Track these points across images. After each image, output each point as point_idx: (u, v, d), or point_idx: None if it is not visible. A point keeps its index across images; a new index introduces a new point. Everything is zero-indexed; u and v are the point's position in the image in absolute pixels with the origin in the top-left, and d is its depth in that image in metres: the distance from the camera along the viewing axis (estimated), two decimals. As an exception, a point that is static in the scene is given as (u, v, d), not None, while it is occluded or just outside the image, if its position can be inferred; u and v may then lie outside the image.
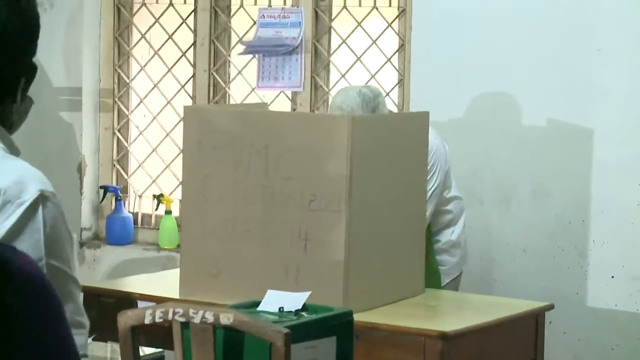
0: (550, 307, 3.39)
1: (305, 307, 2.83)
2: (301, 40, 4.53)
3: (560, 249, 4.03)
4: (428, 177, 3.56)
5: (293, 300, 2.85)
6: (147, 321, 2.57)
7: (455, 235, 3.81)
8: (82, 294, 1.59)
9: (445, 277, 3.77)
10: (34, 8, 1.53)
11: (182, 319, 2.60)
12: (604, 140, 3.94)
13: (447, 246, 3.78)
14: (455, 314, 3.30)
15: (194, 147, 3.32)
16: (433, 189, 3.65)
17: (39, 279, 1.07)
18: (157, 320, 2.57)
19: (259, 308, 2.84)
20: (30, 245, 1.47)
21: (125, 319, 2.60)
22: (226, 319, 2.56)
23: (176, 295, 3.29)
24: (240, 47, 4.67)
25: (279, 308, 2.82)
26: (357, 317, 2.85)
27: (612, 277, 3.95)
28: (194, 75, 4.82)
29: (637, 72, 3.88)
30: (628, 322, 3.91)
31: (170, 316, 2.60)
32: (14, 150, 1.55)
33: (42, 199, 1.50)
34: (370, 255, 3.18)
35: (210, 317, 2.57)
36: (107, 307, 3.29)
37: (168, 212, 4.77)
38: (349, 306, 2.96)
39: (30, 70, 1.55)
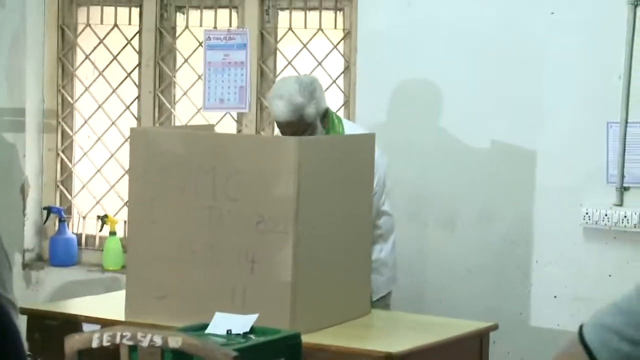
0: (495, 327, 3.43)
1: (253, 330, 2.85)
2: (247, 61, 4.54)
3: (504, 270, 4.08)
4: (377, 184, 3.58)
5: (241, 323, 2.86)
6: (94, 345, 2.56)
7: (384, 254, 3.76)
8: (19, 316, 1.57)
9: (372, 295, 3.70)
10: None
11: (130, 343, 2.58)
12: (547, 162, 4.00)
13: (376, 264, 3.66)
14: (402, 334, 3.31)
15: (140, 169, 3.31)
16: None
17: None
18: (105, 343, 2.56)
19: (207, 331, 2.85)
20: None
21: (72, 342, 2.58)
22: (175, 342, 2.55)
23: (122, 318, 3.27)
24: (187, 70, 4.68)
25: (227, 330, 2.83)
26: (305, 338, 2.86)
27: (555, 297, 4.01)
28: (139, 96, 4.81)
29: (578, 94, 3.95)
30: (570, 341, 3.96)
31: (118, 340, 2.58)
32: None
33: None
34: (317, 276, 3.19)
35: (158, 341, 2.56)
36: (51, 329, 3.26)
37: (112, 233, 4.74)
38: (296, 327, 2.97)
39: None
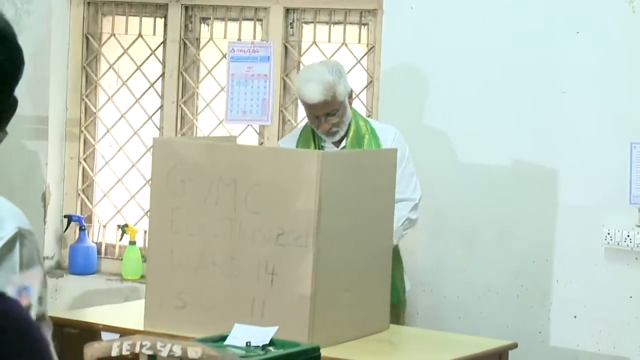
0: (514, 345, 3.41)
1: (272, 342, 2.83)
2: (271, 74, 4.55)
3: (524, 289, 4.06)
4: (405, 160, 3.71)
5: (260, 335, 2.85)
6: (113, 353, 2.55)
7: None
8: (51, 331, 1.57)
9: None
10: (18, 44, 1.53)
11: (150, 352, 2.57)
12: (569, 181, 3.98)
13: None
14: (419, 351, 3.31)
15: (162, 179, 3.31)
16: (412, 168, 3.75)
17: (25, 324, 1.06)
18: (124, 352, 2.55)
19: (226, 342, 2.84)
20: (5, 282, 1.46)
21: (92, 351, 2.58)
22: (194, 352, 2.54)
23: (141, 327, 3.27)
24: (210, 81, 4.69)
25: (247, 342, 2.82)
26: (323, 352, 2.85)
27: (575, 317, 3.98)
28: (161, 107, 4.82)
29: (601, 114, 3.94)
30: (589, 362, 3.94)
31: (137, 349, 2.57)
32: None
33: (19, 236, 1.49)
34: (336, 290, 3.18)
35: (178, 351, 2.55)
36: (70, 338, 3.26)
37: (132, 243, 4.75)
38: (314, 341, 2.97)
39: (14, 103, 1.55)
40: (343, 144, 3.79)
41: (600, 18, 3.93)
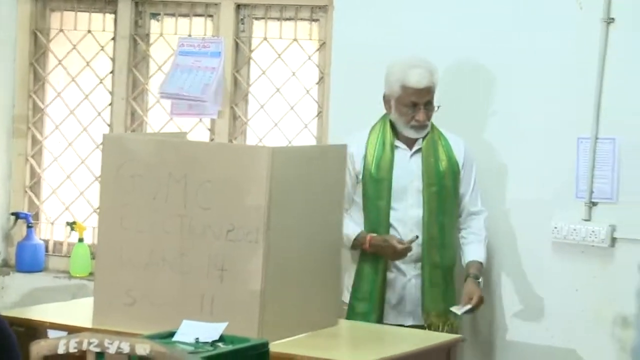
0: (462, 340, 3.47)
1: (221, 338, 2.84)
2: (221, 70, 4.54)
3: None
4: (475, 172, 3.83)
5: (209, 331, 2.85)
6: (60, 351, 2.53)
7: None
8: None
9: None
10: None
11: (97, 349, 2.56)
12: (518, 176, 4.00)
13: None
14: (367, 345, 3.34)
15: (112, 176, 3.31)
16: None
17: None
18: (72, 350, 2.53)
19: (175, 338, 2.84)
20: None
21: (38, 348, 2.56)
22: (142, 349, 2.53)
23: (88, 325, 3.27)
24: (160, 77, 4.66)
25: (195, 339, 2.82)
26: (273, 347, 2.87)
27: (522, 309, 4.02)
28: (111, 103, 4.80)
29: (549, 109, 3.98)
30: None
31: (85, 346, 2.56)
32: None
33: None
34: (286, 286, 3.20)
35: (126, 348, 2.54)
36: (17, 335, 3.23)
37: (80, 240, 4.72)
38: (264, 336, 2.98)
39: None
40: (417, 146, 3.78)
41: (547, 14, 3.97)
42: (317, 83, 4.49)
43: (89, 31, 4.83)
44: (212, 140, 4.58)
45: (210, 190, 3.17)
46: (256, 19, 4.58)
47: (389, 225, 3.73)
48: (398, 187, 3.74)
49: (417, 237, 3.69)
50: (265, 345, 2.82)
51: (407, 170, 3.76)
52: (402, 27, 4.18)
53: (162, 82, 4.58)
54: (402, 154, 3.78)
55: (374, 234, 3.71)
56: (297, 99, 4.51)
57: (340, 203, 3.47)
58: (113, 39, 4.79)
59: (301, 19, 4.52)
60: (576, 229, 3.90)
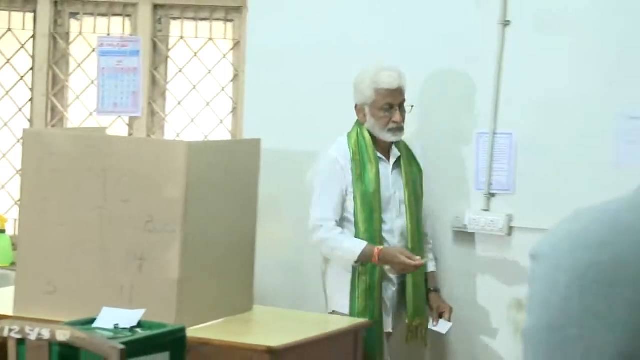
0: (368, 324, 3.59)
1: (140, 324, 2.93)
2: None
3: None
4: None
5: (128, 317, 2.95)
6: (-17, 337, 2.61)
7: None
8: None
9: None
10: None
11: (18, 336, 2.64)
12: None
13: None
14: (282, 329, 3.44)
15: (32, 170, 3.38)
16: None
17: None
18: (-6, 336, 2.61)
19: (94, 325, 2.91)
20: None
21: (-39, 335, 2.63)
22: (62, 335, 2.62)
23: (10, 313, 3.32)
24: (80, 75, 4.75)
25: (114, 325, 2.91)
26: (190, 332, 2.97)
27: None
28: (31, 99, 4.87)
29: (450, 106, 4.14)
30: None
31: (5, 333, 2.64)
32: None
33: None
34: (203, 274, 3.30)
35: (46, 334, 2.63)
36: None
37: (2, 231, 4.78)
38: (182, 322, 3.07)
39: None
40: (395, 157, 3.82)
41: (443, 11, 4.10)
42: (232, 80, 4.62)
43: (9, 29, 4.89)
44: (130, 135, 4.69)
45: (129, 183, 3.25)
46: (173, 19, 4.69)
47: (382, 238, 3.73)
48: (384, 199, 3.75)
49: (426, 260, 3.80)
50: (182, 330, 2.91)
51: (390, 181, 3.79)
52: (314, 30, 4.27)
53: (97, 100, 4.66)
54: (384, 165, 3.80)
55: (381, 247, 3.68)
56: (212, 95, 4.62)
57: (255, 194, 3.57)
58: (33, 37, 4.86)
59: (216, 19, 4.64)
60: (475, 219, 4.06)
